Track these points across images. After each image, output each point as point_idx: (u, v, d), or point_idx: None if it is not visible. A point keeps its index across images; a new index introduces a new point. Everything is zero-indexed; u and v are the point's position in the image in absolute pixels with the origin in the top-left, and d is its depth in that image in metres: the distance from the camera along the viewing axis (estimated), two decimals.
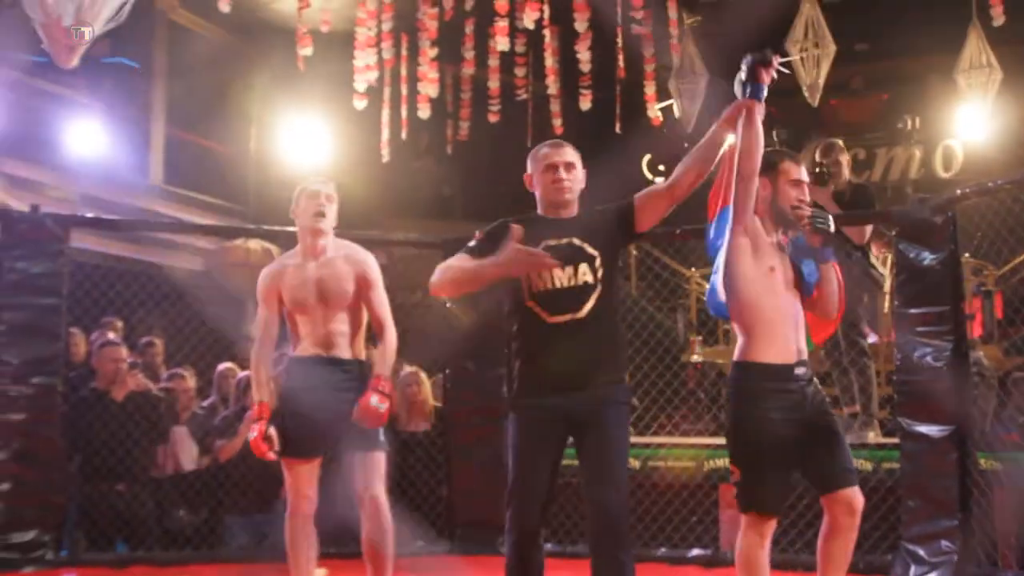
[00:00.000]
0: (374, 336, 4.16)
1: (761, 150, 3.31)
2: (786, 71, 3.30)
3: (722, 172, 3.54)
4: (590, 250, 3.31)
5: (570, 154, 3.45)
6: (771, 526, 3.42)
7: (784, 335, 3.39)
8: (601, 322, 3.29)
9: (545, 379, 3.30)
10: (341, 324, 4.00)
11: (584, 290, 3.27)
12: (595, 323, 3.28)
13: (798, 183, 3.42)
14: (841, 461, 3.41)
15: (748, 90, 3.28)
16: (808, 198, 3.44)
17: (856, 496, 3.40)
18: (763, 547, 3.39)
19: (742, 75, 3.31)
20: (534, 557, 3.32)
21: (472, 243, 3.39)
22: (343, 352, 4.00)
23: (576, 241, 3.31)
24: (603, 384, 3.32)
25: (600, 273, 3.30)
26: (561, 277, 3.26)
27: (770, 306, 3.39)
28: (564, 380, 3.27)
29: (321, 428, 3.94)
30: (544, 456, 3.31)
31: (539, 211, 3.50)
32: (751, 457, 3.37)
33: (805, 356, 3.44)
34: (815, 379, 3.51)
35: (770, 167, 3.42)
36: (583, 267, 3.28)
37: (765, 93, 3.25)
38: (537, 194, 3.51)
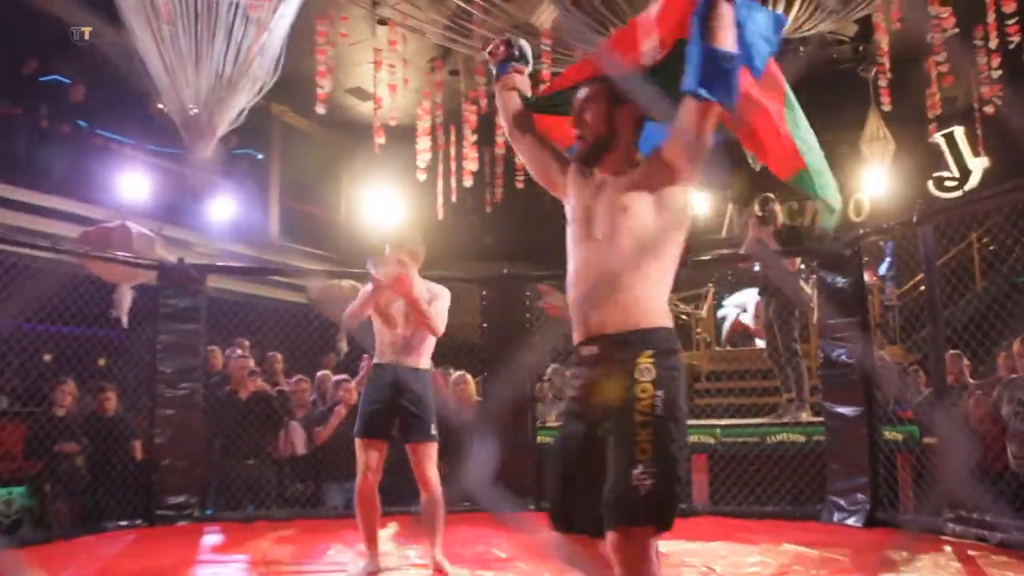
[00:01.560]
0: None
1: (505, 110, 2.33)
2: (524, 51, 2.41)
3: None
4: None
5: None
6: (584, 546, 1.88)
7: (575, 304, 1.97)
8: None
9: None
10: (416, 340, 3.90)
11: None
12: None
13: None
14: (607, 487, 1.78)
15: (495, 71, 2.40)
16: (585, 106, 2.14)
17: (613, 542, 1.75)
18: (585, 570, 1.89)
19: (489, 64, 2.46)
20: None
21: None
22: (413, 362, 3.90)
23: None
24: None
25: None
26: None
27: (570, 267, 2.04)
28: None
29: (391, 418, 3.86)
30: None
31: None
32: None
33: (607, 330, 1.89)
34: (621, 366, 1.86)
35: None
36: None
37: (506, 68, 2.36)
38: None
